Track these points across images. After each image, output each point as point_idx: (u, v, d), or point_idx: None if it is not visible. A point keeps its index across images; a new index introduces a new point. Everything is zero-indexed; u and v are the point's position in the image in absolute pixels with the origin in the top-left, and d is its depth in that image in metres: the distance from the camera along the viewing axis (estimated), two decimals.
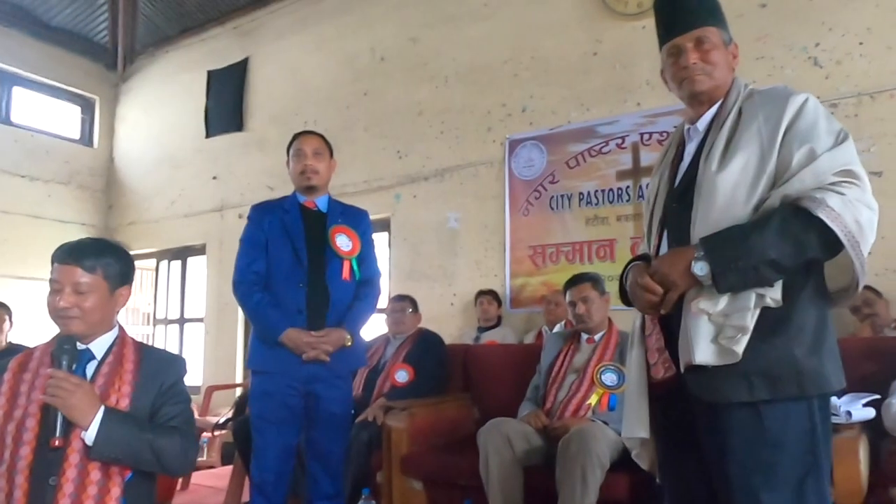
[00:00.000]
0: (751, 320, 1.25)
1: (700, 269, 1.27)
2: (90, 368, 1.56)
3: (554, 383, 2.71)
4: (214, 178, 6.53)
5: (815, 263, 1.31)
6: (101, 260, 1.56)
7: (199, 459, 5.05)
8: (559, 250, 4.47)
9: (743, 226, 1.29)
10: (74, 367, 1.51)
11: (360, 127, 5.53)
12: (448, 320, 4.80)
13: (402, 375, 3.16)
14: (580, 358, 2.73)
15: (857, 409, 1.96)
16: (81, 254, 1.54)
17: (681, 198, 1.43)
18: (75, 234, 6.71)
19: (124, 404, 1.52)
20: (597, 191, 4.38)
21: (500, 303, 4.53)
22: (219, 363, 6.17)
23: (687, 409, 1.36)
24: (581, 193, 4.43)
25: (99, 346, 1.59)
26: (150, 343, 6.85)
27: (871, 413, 2.02)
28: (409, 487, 2.72)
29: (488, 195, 4.81)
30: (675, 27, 1.46)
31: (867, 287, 3.42)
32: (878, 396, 2.06)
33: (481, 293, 4.51)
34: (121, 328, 1.65)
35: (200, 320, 6.56)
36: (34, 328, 5.03)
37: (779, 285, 1.27)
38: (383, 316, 3.55)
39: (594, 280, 2.76)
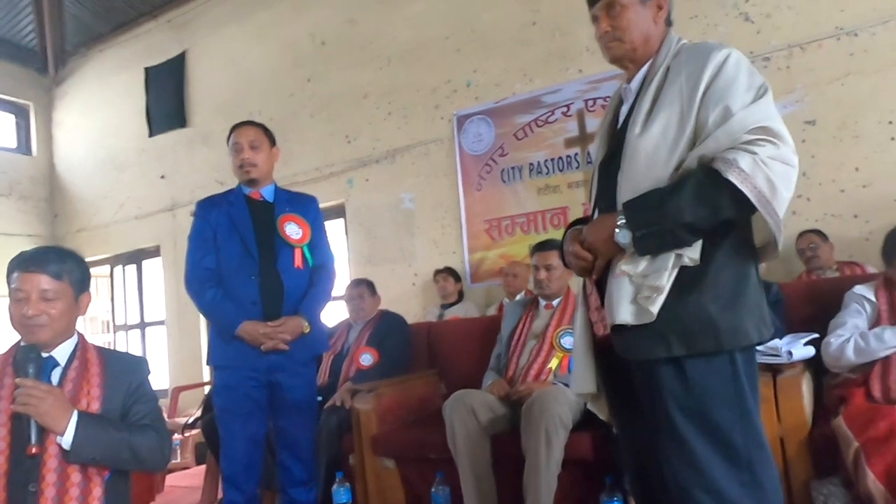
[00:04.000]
0: (666, 280, 1.28)
1: (623, 236, 1.31)
2: (55, 375, 1.57)
3: (515, 350, 2.76)
4: (162, 177, 6.39)
5: (735, 222, 1.32)
6: (65, 266, 1.57)
7: (173, 461, 5.01)
8: (514, 222, 4.52)
9: (661, 190, 1.31)
10: (40, 375, 1.51)
11: (307, 114, 5.47)
12: (411, 300, 4.84)
13: (366, 358, 3.18)
14: (539, 324, 2.78)
15: (797, 348, 2.05)
16: (45, 261, 1.55)
17: (610, 161, 1.47)
18: (22, 246, 6.43)
19: (95, 407, 1.54)
20: (546, 160, 4.43)
21: (458, 279, 4.57)
22: (184, 364, 6.10)
23: (626, 365, 1.41)
24: (531, 164, 4.48)
25: (61, 353, 1.60)
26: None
27: (811, 351, 2.12)
28: (381, 467, 2.75)
29: (440, 173, 4.83)
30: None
31: (814, 231, 3.56)
32: (816, 335, 2.15)
33: (438, 272, 4.55)
34: (80, 334, 1.66)
35: (162, 323, 6.46)
36: None
37: (697, 245, 1.29)
38: (343, 302, 3.55)
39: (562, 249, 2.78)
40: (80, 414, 1.47)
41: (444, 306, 4.50)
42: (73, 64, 7.15)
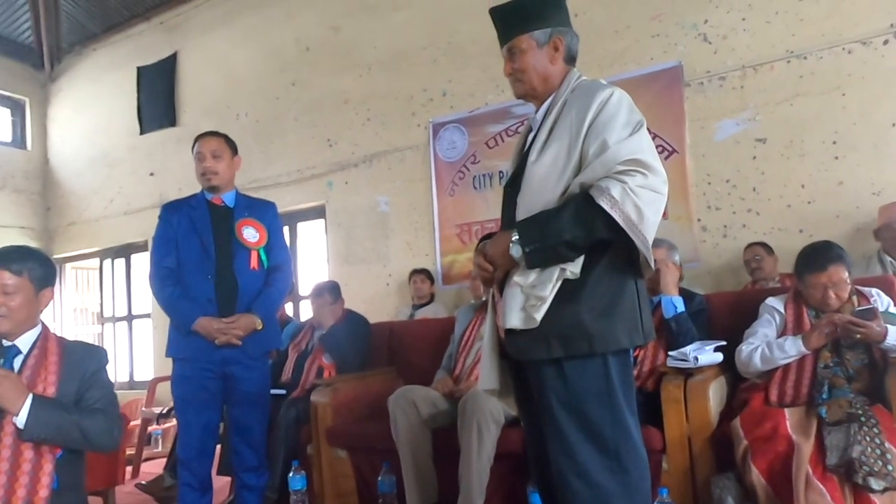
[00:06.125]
0: (550, 291, 1.46)
1: (515, 251, 1.49)
2: (17, 362, 1.75)
3: (463, 351, 2.95)
4: (152, 174, 6.57)
5: (612, 241, 1.48)
6: (26, 264, 1.76)
7: (154, 450, 5.20)
8: (483, 227, 4.69)
9: (548, 211, 1.49)
10: (2, 361, 1.70)
11: (291, 117, 5.64)
12: (384, 300, 5.01)
13: (328, 357, 3.35)
14: None
15: (704, 354, 2.22)
16: (7, 258, 1.75)
17: (513, 183, 1.65)
18: (14, 238, 6.67)
19: (51, 391, 1.72)
20: None
21: (433, 280, 4.75)
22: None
23: (524, 365, 1.59)
24: (501, 172, 4.64)
25: (24, 342, 1.79)
26: (99, 342, 6.92)
27: (718, 358, 2.29)
28: (335, 456, 2.93)
29: (416, 178, 5.00)
30: (499, 41, 1.67)
31: (759, 243, 3.73)
32: (723, 343, 2.33)
33: (415, 272, 4.72)
34: (44, 325, 1.85)
35: (148, 316, 6.64)
36: None
37: (579, 260, 1.47)
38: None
39: None
40: (35, 397, 1.65)
41: (416, 307, 4.67)
42: (67, 61, 7.33)
